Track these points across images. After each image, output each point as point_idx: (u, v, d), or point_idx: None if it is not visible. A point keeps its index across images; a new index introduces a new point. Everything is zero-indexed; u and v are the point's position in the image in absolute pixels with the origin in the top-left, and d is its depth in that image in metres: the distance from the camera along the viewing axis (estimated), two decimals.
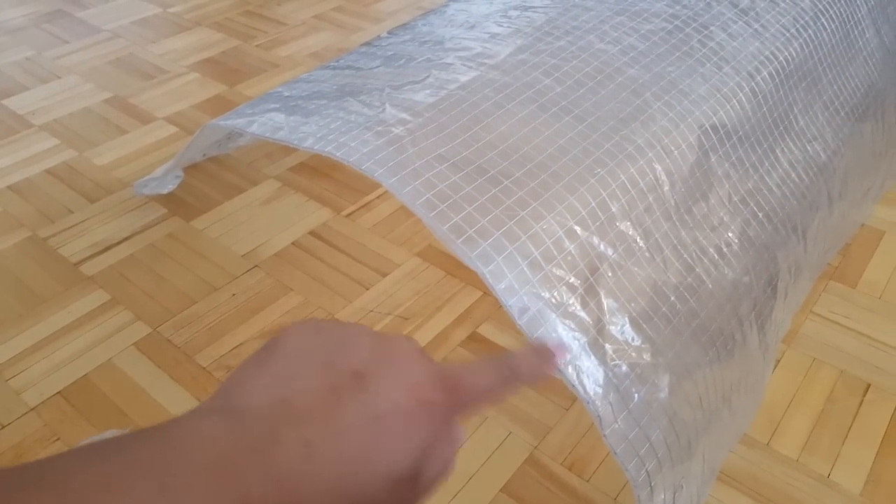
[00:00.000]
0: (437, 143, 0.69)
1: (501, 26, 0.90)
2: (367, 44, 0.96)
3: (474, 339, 0.95)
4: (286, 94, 0.86)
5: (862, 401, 0.85)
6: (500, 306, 0.60)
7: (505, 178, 0.67)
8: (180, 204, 1.20)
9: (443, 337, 0.95)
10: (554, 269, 0.62)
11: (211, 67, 1.62)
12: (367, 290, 1.03)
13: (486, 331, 0.96)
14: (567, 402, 0.86)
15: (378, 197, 1.21)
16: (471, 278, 1.03)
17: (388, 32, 0.98)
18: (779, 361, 0.90)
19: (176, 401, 0.87)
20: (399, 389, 0.30)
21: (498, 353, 0.50)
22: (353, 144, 0.68)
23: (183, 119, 1.43)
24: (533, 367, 0.37)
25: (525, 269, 0.61)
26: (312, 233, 1.14)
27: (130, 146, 1.35)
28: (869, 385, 0.87)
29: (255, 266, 1.07)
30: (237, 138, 1.30)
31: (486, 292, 1.00)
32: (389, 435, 0.29)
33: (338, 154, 0.67)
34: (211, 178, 1.26)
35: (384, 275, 1.05)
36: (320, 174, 1.26)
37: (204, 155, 1.27)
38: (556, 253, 0.63)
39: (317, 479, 0.27)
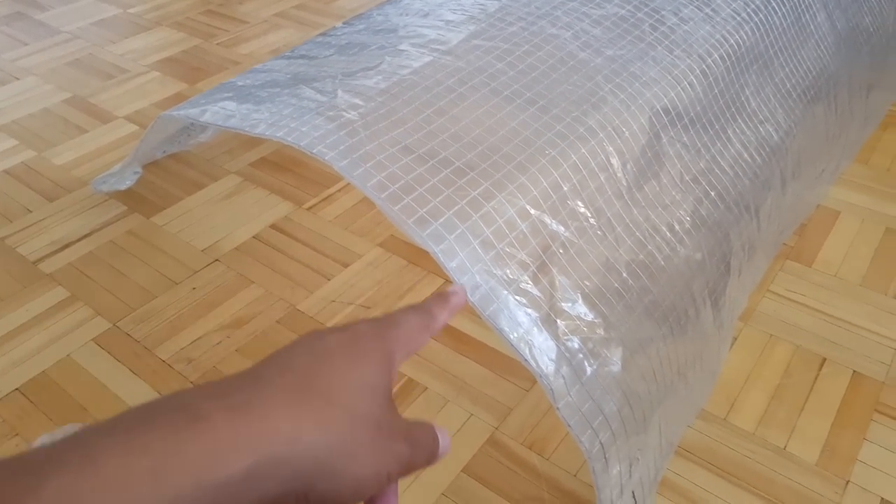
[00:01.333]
0: (389, 127, 0.69)
1: (455, 13, 0.91)
2: (323, 34, 0.96)
3: None
4: (240, 83, 0.86)
5: (817, 375, 0.87)
6: None
7: (457, 159, 0.67)
8: (140, 201, 1.19)
9: None
10: (506, 248, 0.63)
11: (171, 66, 1.61)
12: (329, 280, 1.03)
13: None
14: (527, 383, 0.86)
15: (340, 190, 1.21)
16: (433, 267, 1.03)
17: (344, 23, 0.98)
18: (736, 339, 0.92)
19: (135, 394, 0.86)
20: (338, 335, 0.36)
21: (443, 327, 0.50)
22: (303, 129, 0.68)
23: (143, 117, 1.42)
24: (447, 307, 0.44)
25: (477, 247, 0.62)
26: (274, 226, 1.14)
27: (90, 145, 1.34)
28: (824, 359, 0.89)
29: (216, 260, 1.07)
30: (197, 134, 1.29)
31: (448, 280, 1.01)
32: (344, 361, 0.34)
33: (289, 139, 0.67)
34: (171, 175, 1.25)
35: (346, 265, 1.05)
36: (282, 169, 1.25)
37: (164, 152, 1.27)
38: (507, 232, 0.64)
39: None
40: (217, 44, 1.70)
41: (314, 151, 0.65)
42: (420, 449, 0.35)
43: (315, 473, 0.30)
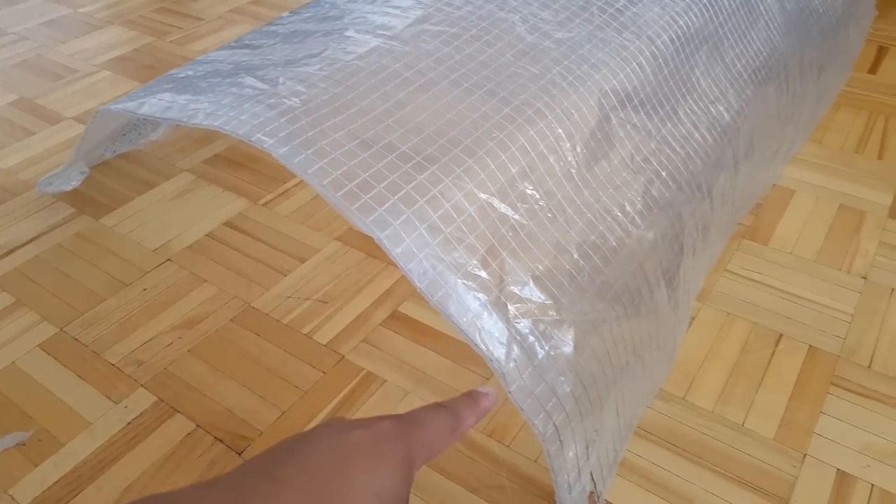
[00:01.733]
0: (332, 113, 0.68)
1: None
2: (270, 23, 0.95)
3: (396, 317, 0.94)
4: (181, 75, 0.84)
5: (774, 350, 0.87)
6: None
7: (402, 144, 0.66)
8: (89, 202, 1.16)
9: (364, 318, 0.94)
10: (454, 232, 0.62)
11: (123, 65, 1.57)
12: (285, 276, 1.01)
13: (408, 308, 0.95)
14: (487, 371, 0.85)
15: (297, 185, 1.19)
16: (391, 259, 1.02)
17: (291, 12, 0.96)
18: (694, 319, 0.92)
19: (83, 399, 0.84)
20: (360, 432, 0.34)
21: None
22: (242, 118, 0.67)
23: None
24: (475, 412, 0.44)
25: (424, 232, 0.60)
26: (228, 223, 1.12)
27: (37, 147, 1.31)
28: (781, 335, 0.89)
29: (168, 260, 1.05)
30: (148, 133, 1.27)
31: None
32: (359, 462, 0.32)
33: (227, 128, 0.65)
34: (121, 175, 1.22)
35: (302, 260, 1.04)
36: (236, 165, 1.23)
37: (114, 152, 1.24)
38: (455, 216, 0.63)
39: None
40: (170, 41, 1.67)
41: (253, 140, 0.64)
42: None
43: None
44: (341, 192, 0.60)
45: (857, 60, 1.48)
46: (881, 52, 1.52)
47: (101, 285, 1.01)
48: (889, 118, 1.30)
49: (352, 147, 0.65)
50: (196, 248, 1.07)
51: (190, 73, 0.85)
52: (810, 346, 0.87)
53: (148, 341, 0.92)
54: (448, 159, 0.66)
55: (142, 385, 0.86)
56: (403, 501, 0.33)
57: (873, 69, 1.46)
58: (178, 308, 0.97)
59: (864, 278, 0.96)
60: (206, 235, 1.09)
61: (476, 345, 0.57)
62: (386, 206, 0.60)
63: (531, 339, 0.60)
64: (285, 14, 0.96)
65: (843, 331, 0.89)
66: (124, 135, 1.20)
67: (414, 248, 0.59)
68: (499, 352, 0.58)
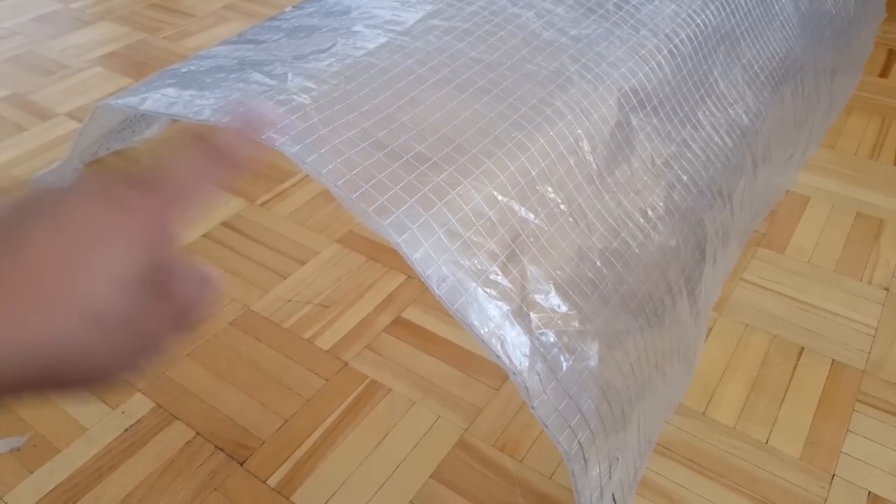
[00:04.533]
0: (345, 111, 0.64)
1: None
2: (272, 18, 0.91)
3: (399, 323, 0.90)
4: (183, 70, 0.80)
5: (796, 364, 0.84)
6: (426, 289, 0.56)
7: (418, 144, 0.63)
8: None
9: (366, 323, 0.91)
10: (473, 237, 0.58)
11: (115, 61, 1.53)
12: (284, 279, 0.98)
13: (412, 315, 0.92)
14: (497, 382, 0.82)
15: (294, 184, 1.15)
16: (394, 262, 0.98)
17: (294, 7, 0.93)
18: (711, 330, 0.88)
19: (79, 404, 0.80)
20: (89, 204, 0.26)
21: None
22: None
23: (84, 114, 1.34)
24: (242, 138, 0.31)
25: (442, 236, 0.57)
26: (225, 224, 1.08)
27: (29, 143, 1.27)
28: (802, 348, 0.86)
29: None
30: (143, 130, 1.23)
31: (411, 275, 0.96)
32: (89, 242, 0.25)
33: None
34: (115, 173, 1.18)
35: (302, 263, 1.00)
36: None
37: (108, 149, 1.20)
38: (474, 220, 0.59)
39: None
40: (163, 38, 1.62)
41: (263, 138, 0.60)
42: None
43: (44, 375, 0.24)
44: (356, 194, 0.57)
45: (868, 64, 1.45)
46: (892, 55, 1.50)
47: None
48: None
49: (366, 146, 0.61)
50: (193, 248, 1.03)
51: (193, 68, 0.81)
52: (833, 360, 0.84)
53: None
54: (466, 160, 0.62)
55: (139, 390, 0.82)
56: (159, 269, 0.27)
57: (884, 73, 1.43)
58: None
59: (887, 290, 0.93)
60: (203, 236, 1.06)
61: (499, 357, 0.54)
62: (403, 208, 0.57)
63: (555, 350, 0.56)
64: (288, 9, 0.92)
65: (867, 344, 0.86)
66: (120, 132, 1.16)
67: (432, 254, 0.56)
68: (522, 364, 0.54)
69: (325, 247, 1.03)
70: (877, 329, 0.88)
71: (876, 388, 0.81)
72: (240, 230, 1.07)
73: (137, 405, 0.81)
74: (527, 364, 0.55)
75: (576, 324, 0.59)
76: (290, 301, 0.94)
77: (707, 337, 0.88)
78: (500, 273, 0.58)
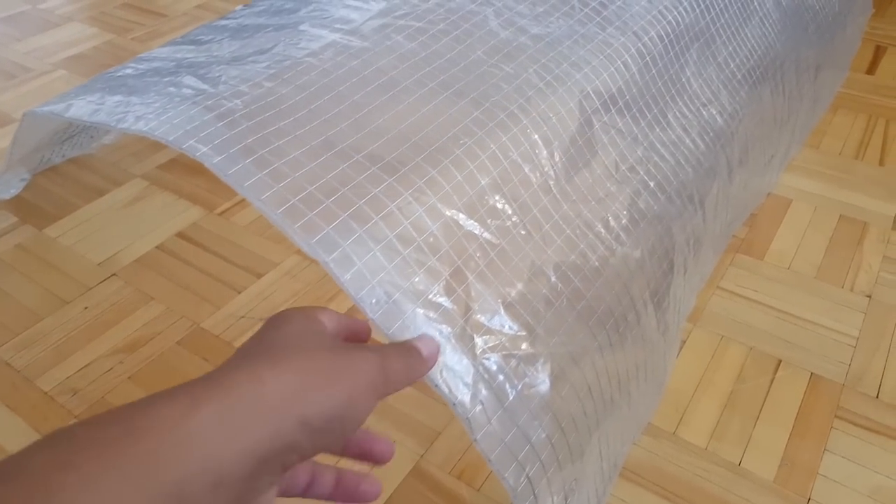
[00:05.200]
0: (277, 116, 0.60)
1: None
2: (222, 17, 0.86)
3: None
4: (118, 73, 0.75)
5: (773, 378, 0.79)
6: None
7: (355, 152, 0.58)
8: (33, 211, 1.07)
9: None
10: (413, 254, 0.54)
11: (80, 63, 1.48)
12: (239, 293, 0.93)
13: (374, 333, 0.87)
14: None
15: None
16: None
17: (245, 5, 0.88)
18: (685, 342, 0.84)
19: (11, 433, 0.76)
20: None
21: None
22: (175, 121, 0.58)
23: None
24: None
25: (378, 254, 0.52)
26: (180, 234, 1.03)
27: None
28: (780, 361, 0.81)
29: (113, 275, 0.96)
30: (100, 136, 1.18)
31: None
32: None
33: (156, 133, 0.57)
34: (69, 181, 1.14)
35: (259, 276, 0.95)
36: (193, 170, 1.15)
37: (63, 156, 1.15)
38: (415, 235, 0.55)
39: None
40: (131, 39, 1.58)
41: (184, 147, 0.56)
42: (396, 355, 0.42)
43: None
44: (283, 209, 0.52)
45: (854, 60, 1.41)
46: (879, 51, 1.45)
47: (40, 303, 0.92)
48: (889, 122, 1.23)
49: (298, 155, 0.56)
50: (144, 261, 0.99)
51: (129, 71, 0.76)
52: (812, 373, 0.80)
53: (85, 366, 0.83)
54: (408, 169, 0.58)
55: (75, 417, 0.78)
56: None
57: (871, 70, 1.39)
58: (121, 329, 0.88)
59: (869, 297, 0.89)
60: (157, 248, 1.01)
61: (437, 386, 0.49)
62: (335, 223, 0.52)
63: (501, 377, 0.52)
64: (238, 7, 0.88)
65: (847, 356, 0.82)
66: (71, 138, 1.11)
67: (366, 273, 0.51)
68: (462, 394, 0.49)
69: (284, 258, 0.98)
70: (857, 339, 0.84)
71: (855, 402, 0.77)
72: (196, 241, 1.02)
73: None
74: (469, 394, 0.50)
75: (526, 345, 0.55)
76: (243, 317, 0.90)
77: (681, 349, 0.83)
78: (442, 293, 0.53)
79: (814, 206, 1.05)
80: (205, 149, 0.55)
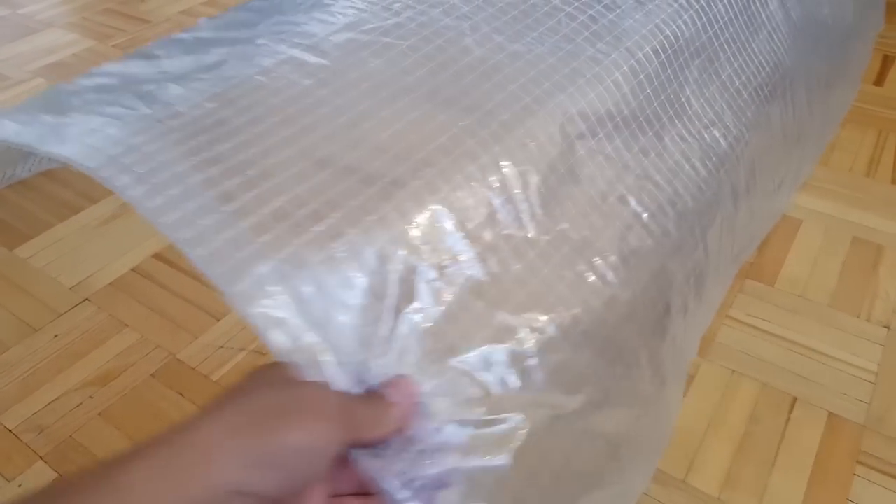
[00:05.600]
0: (213, 142, 0.53)
1: (337, 1, 0.75)
2: (184, 30, 0.80)
3: None
4: (70, 88, 0.69)
5: (788, 418, 0.73)
6: None
7: (299, 184, 0.52)
8: (3, 229, 1.02)
9: None
10: (354, 300, 0.47)
11: (58, 71, 1.43)
12: (218, 321, 0.87)
13: None
14: None
15: None
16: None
17: (210, 18, 0.82)
18: (693, 378, 0.77)
19: None
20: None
21: None
22: (99, 146, 0.52)
23: None
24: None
25: (315, 303, 0.46)
26: (157, 255, 0.98)
27: None
28: (795, 399, 0.75)
29: (85, 300, 0.90)
30: None
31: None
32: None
33: (76, 159, 0.51)
34: (43, 197, 1.08)
35: None
36: None
37: (30, 170, 1.09)
38: (359, 280, 0.48)
39: None
40: (112, 45, 1.53)
41: (102, 176, 0.49)
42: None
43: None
44: (206, 252, 0.46)
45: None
46: (887, 61, 1.37)
47: (7, 331, 0.86)
48: None
49: (230, 186, 0.50)
50: (119, 285, 0.93)
51: (75, 87, 0.70)
52: (829, 412, 0.73)
53: (53, 401, 0.78)
54: (357, 205, 0.51)
55: (41, 457, 0.72)
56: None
57: (879, 81, 1.31)
58: (92, 360, 0.83)
59: (887, 328, 0.82)
60: (132, 270, 0.95)
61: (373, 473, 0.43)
62: (266, 268, 0.46)
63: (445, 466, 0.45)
64: (202, 19, 0.81)
65: (867, 393, 0.74)
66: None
67: (301, 323, 0.45)
68: (403, 491, 0.43)
69: None
70: (877, 375, 0.76)
71: (878, 446, 0.69)
72: (172, 263, 0.97)
73: (38, 476, 0.71)
74: (408, 495, 0.43)
75: (480, 410, 0.48)
76: (221, 347, 0.84)
77: (689, 386, 0.76)
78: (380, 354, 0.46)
79: (825, 227, 0.97)
80: (126, 179, 0.49)
